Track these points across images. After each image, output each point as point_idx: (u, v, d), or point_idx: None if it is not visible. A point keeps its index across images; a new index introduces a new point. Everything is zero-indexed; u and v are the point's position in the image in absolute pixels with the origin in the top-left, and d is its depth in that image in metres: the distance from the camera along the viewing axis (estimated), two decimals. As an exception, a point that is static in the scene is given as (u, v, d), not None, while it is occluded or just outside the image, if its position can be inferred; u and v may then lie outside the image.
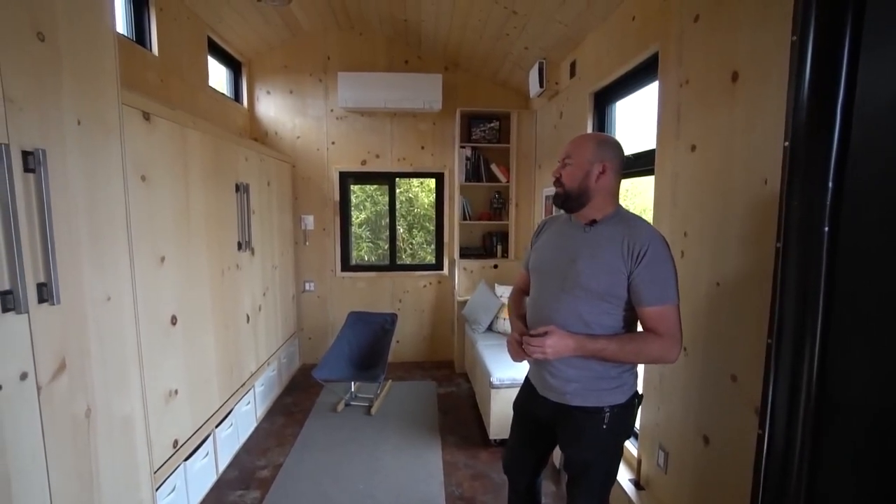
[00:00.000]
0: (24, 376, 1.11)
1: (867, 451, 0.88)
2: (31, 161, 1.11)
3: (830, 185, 0.87)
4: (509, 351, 1.45)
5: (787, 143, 1.03)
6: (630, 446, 2.16)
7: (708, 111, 1.55)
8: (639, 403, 1.46)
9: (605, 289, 1.32)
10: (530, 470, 1.65)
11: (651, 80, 2.07)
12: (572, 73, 2.93)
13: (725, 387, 1.45)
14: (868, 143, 0.85)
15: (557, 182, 1.41)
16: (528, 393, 1.58)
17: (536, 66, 3.19)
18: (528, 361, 1.55)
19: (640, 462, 2.02)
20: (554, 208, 1.59)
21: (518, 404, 1.65)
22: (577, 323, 1.35)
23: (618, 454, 1.46)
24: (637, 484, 2.00)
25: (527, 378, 1.62)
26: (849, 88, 0.89)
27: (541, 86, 3.17)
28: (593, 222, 1.40)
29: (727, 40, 1.45)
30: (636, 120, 2.59)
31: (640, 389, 1.47)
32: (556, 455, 2.53)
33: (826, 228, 0.87)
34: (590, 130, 2.66)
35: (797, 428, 0.99)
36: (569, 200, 1.40)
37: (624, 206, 1.44)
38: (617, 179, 1.40)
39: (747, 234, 1.36)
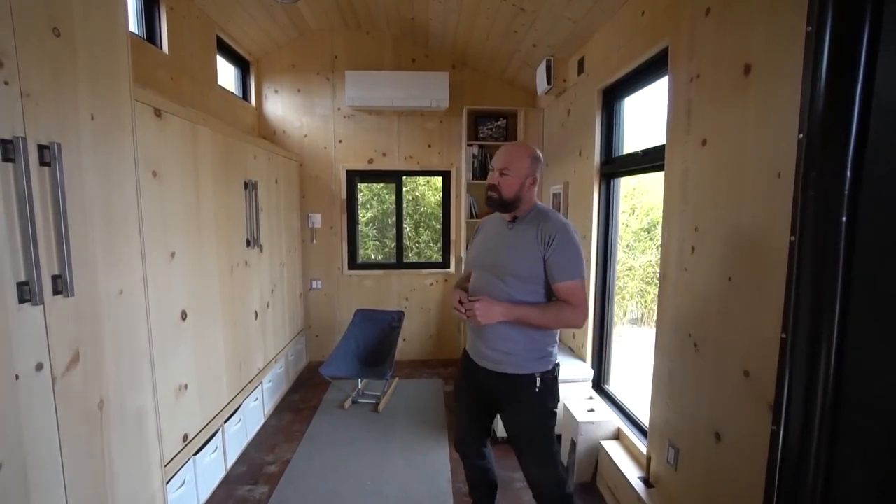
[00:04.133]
0: (39, 367, 1.13)
1: (885, 448, 0.86)
2: (47, 154, 1.12)
3: (848, 174, 0.86)
4: (454, 312, 1.67)
5: (801, 136, 1.02)
6: (639, 443, 2.15)
7: (719, 105, 1.53)
8: (558, 372, 1.69)
9: (527, 273, 1.58)
10: (478, 439, 1.86)
11: (661, 76, 2.06)
12: (580, 70, 2.92)
13: (738, 382, 1.44)
14: (887, 133, 0.84)
15: (494, 189, 1.62)
16: (466, 365, 1.80)
17: (544, 64, 3.18)
18: (468, 335, 1.78)
19: (649, 459, 2.01)
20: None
21: (458, 380, 1.86)
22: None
23: (551, 417, 1.67)
24: (646, 482, 1.99)
25: (464, 352, 1.82)
26: (867, 79, 0.88)
27: (548, 83, 3.16)
28: (514, 219, 1.67)
29: (739, 33, 1.43)
30: (645, 115, 2.57)
31: (558, 361, 1.70)
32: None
33: (844, 218, 0.86)
34: (598, 128, 2.65)
35: (813, 424, 0.98)
36: (504, 206, 1.64)
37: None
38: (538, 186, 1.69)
39: (760, 228, 1.34)
